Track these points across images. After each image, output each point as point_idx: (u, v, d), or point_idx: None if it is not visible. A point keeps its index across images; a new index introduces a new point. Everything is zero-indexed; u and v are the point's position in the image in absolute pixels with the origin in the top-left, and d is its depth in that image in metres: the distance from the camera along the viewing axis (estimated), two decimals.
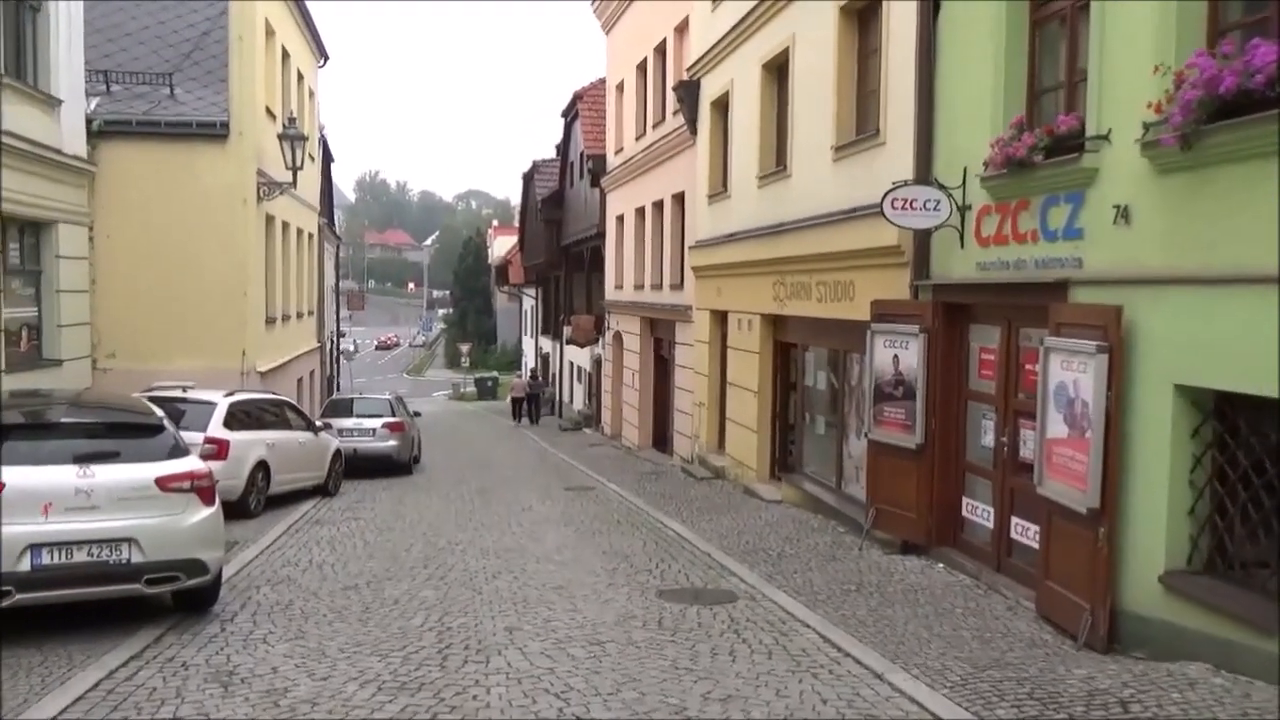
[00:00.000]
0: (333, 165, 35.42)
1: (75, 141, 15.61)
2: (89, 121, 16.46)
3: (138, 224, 16.94)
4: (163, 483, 7.22)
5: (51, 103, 14.59)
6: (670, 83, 21.01)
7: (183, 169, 17.26)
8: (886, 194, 9.31)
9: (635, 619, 7.73)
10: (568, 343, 32.56)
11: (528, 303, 49.91)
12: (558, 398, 38.75)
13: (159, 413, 7.98)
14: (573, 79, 77.12)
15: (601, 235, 28.29)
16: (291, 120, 18.58)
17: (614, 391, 27.15)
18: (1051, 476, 7.51)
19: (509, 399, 37.70)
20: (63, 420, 7.31)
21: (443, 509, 14.22)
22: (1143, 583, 6.79)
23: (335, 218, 41.74)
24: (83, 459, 7.01)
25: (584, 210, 31.28)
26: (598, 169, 28.12)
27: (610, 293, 27.34)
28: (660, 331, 22.93)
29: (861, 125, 11.90)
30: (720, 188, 17.30)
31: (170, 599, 7.71)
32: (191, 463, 7.55)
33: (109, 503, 6.98)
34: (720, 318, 17.60)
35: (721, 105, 17.36)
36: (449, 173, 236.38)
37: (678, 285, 20.62)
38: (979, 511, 9.24)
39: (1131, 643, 6.85)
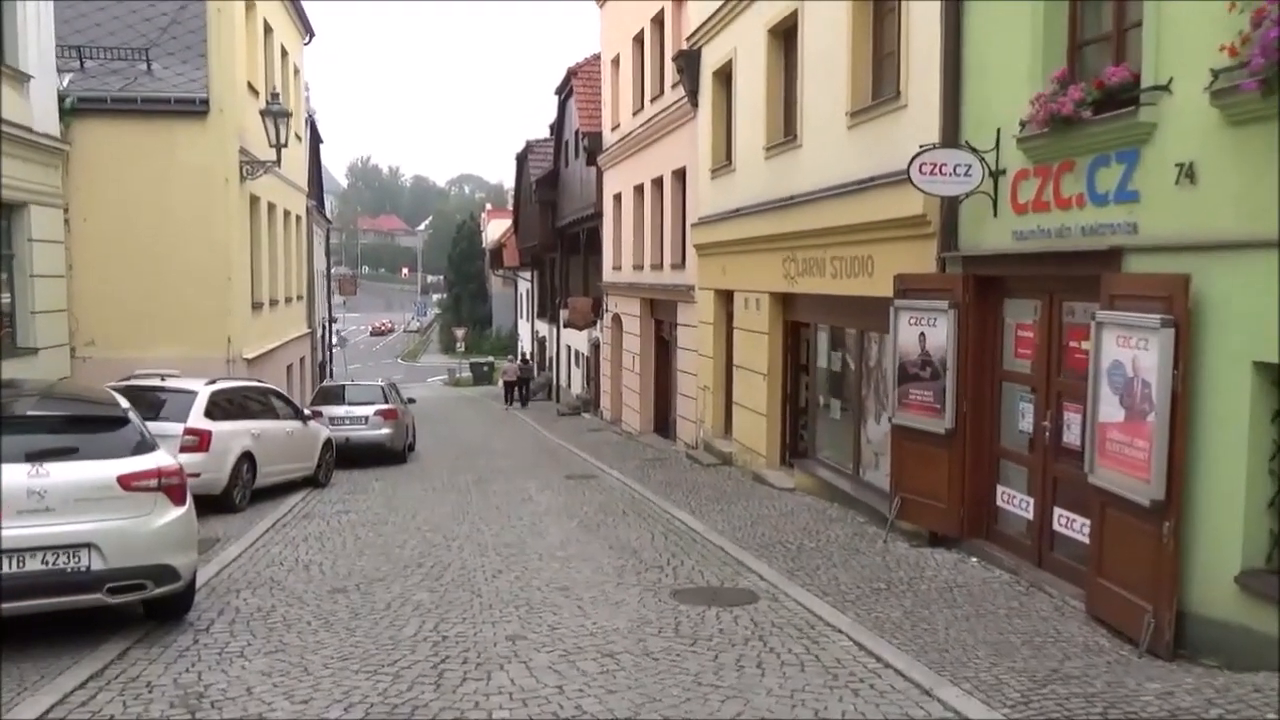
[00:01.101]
0: (322, 147, 34.57)
1: (47, 119, 14.81)
2: (61, 99, 15.64)
3: (115, 206, 16.15)
4: (126, 481, 6.52)
5: (20, 78, 13.78)
6: (669, 54, 20.23)
7: (161, 148, 16.44)
8: (913, 158, 8.61)
9: (650, 624, 7.06)
10: (565, 326, 31.86)
11: (523, 286, 49.15)
12: (554, 382, 38.08)
13: (123, 404, 7.26)
14: (566, 58, 75.58)
15: (599, 215, 27.53)
16: (275, 96, 17.77)
17: (613, 375, 26.46)
18: (1105, 464, 6.83)
19: (500, 383, 39.19)
20: (12, 414, 6.60)
21: (438, 500, 13.54)
22: (1214, 583, 6.12)
23: (326, 202, 40.88)
24: (35, 456, 6.29)
25: (580, 190, 30.50)
26: (594, 147, 27.34)
27: (608, 274, 26.61)
28: (661, 313, 22.23)
29: (878, 89, 11.17)
30: (724, 161, 16.56)
31: (141, 607, 7.02)
32: (159, 459, 6.84)
33: (65, 504, 6.27)
34: (725, 297, 16.89)
35: (724, 75, 16.60)
36: (442, 157, 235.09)
37: (679, 264, 19.91)
38: (1016, 501, 8.57)
39: (1201, 649, 6.19)
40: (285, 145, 17.77)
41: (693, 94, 18.00)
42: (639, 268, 23.32)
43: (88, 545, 6.29)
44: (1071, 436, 7.73)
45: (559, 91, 32.94)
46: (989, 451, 8.97)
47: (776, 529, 10.73)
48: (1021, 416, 8.48)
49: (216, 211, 16.56)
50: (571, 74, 30.48)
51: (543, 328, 41.36)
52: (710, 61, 17.02)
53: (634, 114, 23.35)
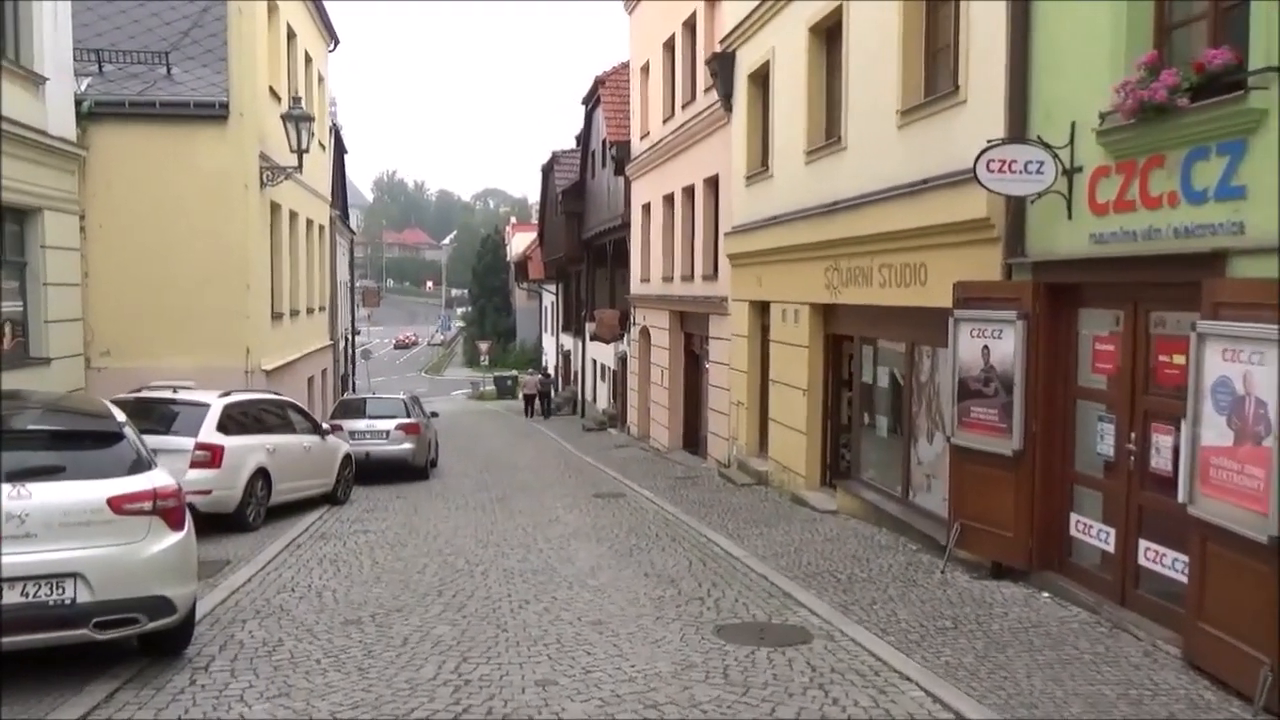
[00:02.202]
0: (346, 158, 34.19)
1: (62, 123, 14.37)
2: (78, 102, 15.21)
3: (132, 212, 15.68)
4: (117, 504, 5.89)
5: (34, 80, 13.33)
6: (701, 59, 19.61)
7: (180, 153, 15.97)
8: (980, 155, 7.88)
9: (695, 668, 6.34)
10: (591, 339, 31.20)
11: (547, 299, 48.62)
12: (580, 396, 37.45)
13: (119, 417, 6.65)
14: (591, 70, 75.18)
15: (626, 226, 26.91)
16: (296, 100, 17.29)
17: (641, 390, 25.76)
18: (1209, 494, 6.07)
19: (521, 395, 40.83)
20: None
21: (461, 520, 12.88)
22: None
23: (351, 215, 40.54)
24: (16, 476, 5.68)
25: (607, 201, 29.92)
26: (622, 156, 26.76)
27: (636, 286, 25.96)
28: (691, 326, 21.53)
29: (932, 85, 10.46)
30: (760, 167, 15.88)
31: (136, 641, 6.38)
32: (155, 478, 6.21)
33: (48, 529, 5.66)
34: (761, 309, 16.18)
35: (760, 77, 15.93)
36: (466, 172, 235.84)
37: (711, 276, 19.22)
38: (1093, 531, 7.80)
39: None
40: (307, 151, 17.26)
41: (726, 98, 17.36)
42: (669, 279, 22.66)
43: (73, 575, 5.67)
44: (1161, 461, 6.96)
45: (586, 101, 32.41)
46: (1061, 476, 8.20)
47: (823, 556, 9.98)
48: (1100, 438, 7.72)
49: (236, 218, 16.06)
50: (599, 83, 29.93)
51: (568, 341, 40.77)
52: (746, 64, 16.37)
53: (664, 121, 22.74)
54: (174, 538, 6.15)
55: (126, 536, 5.90)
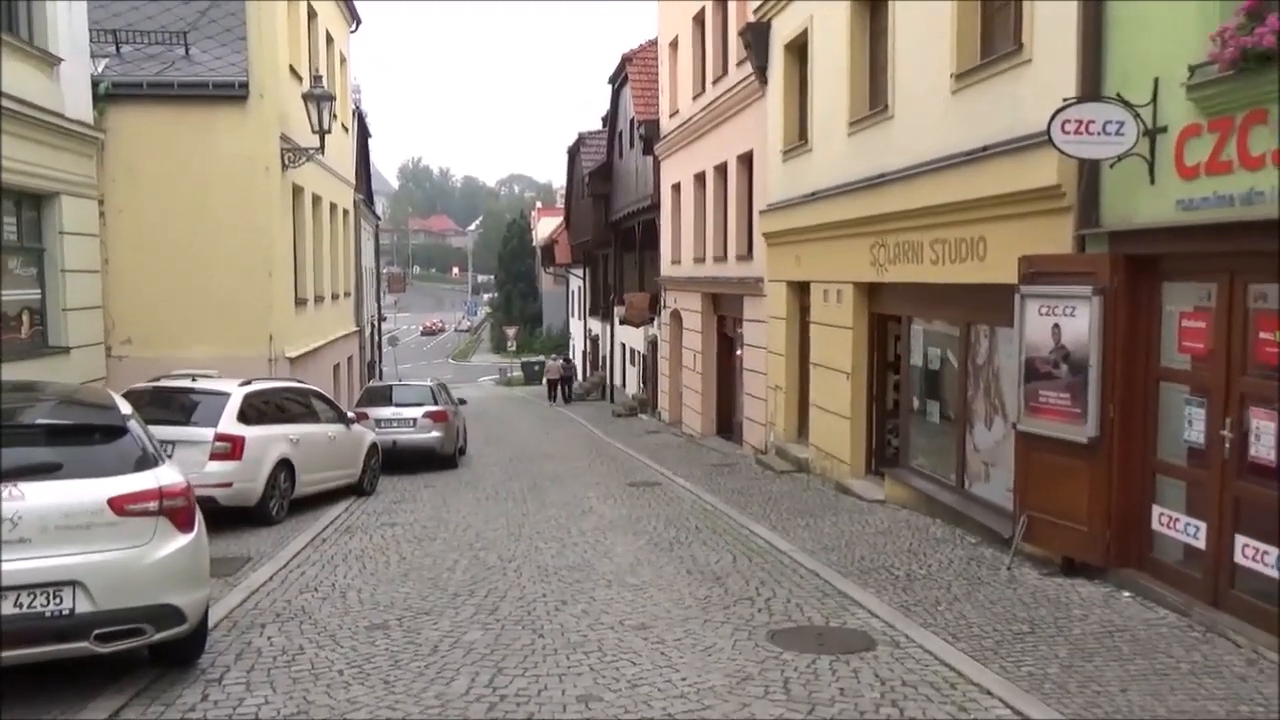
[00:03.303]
0: (370, 142, 33.77)
1: (79, 105, 13.91)
2: (95, 84, 14.78)
3: (152, 196, 15.27)
4: (119, 504, 5.39)
5: (49, 60, 12.88)
6: (733, 32, 18.92)
7: (199, 135, 15.53)
8: (1055, 115, 7.21)
9: (752, 680, 5.77)
10: (621, 323, 30.63)
11: (575, 283, 48.08)
12: (608, 381, 36.95)
13: (124, 409, 6.15)
14: (614, 52, 73.95)
15: (656, 207, 26.28)
16: (317, 78, 16.77)
17: (672, 375, 25.18)
18: None
19: (544, 381, 41.78)
20: None
21: (491, 512, 12.38)
22: None
23: (376, 201, 40.15)
24: (9, 475, 5.20)
25: (635, 182, 29.29)
26: (650, 135, 26.09)
27: (666, 268, 25.34)
28: (725, 308, 20.91)
29: (990, 44, 9.77)
30: (798, 141, 15.20)
31: (146, 651, 5.90)
32: (163, 475, 5.70)
33: (44, 533, 5.17)
34: (799, 289, 15.54)
35: (798, 47, 15.24)
36: (492, 158, 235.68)
37: (745, 256, 18.58)
38: (1179, 525, 7.14)
39: None
40: (329, 132, 16.76)
41: (761, 70, 16.66)
42: (700, 260, 22.03)
43: (71, 583, 5.18)
44: (1263, 449, 6.31)
45: (613, 80, 31.75)
46: (1142, 465, 7.54)
47: (876, 550, 9.38)
48: (1188, 423, 7.05)
49: (257, 201, 15.62)
50: (626, 60, 29.27)
51: (595, 326, 40.25)
52: (782, 34, 15.67)
53: (694, 98, 22.05)
54: (182, 540, 5.65)
55: (130, 540, 5.41)
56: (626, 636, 6.70)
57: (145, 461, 5.74)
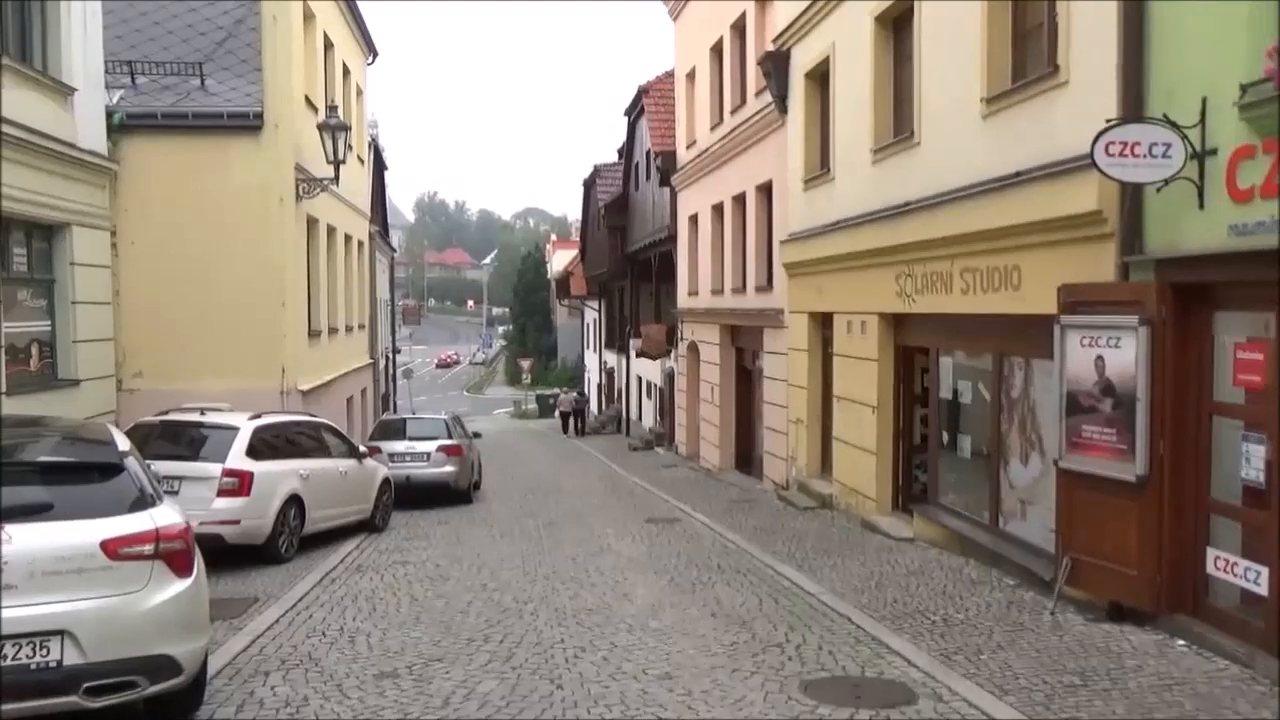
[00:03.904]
0: (386, 174, 33.75)
1: (92, 135, 13.78)
2: (109, 115, 14.67)
3: (165, 227, 15.11)
4: (112, 547, 5.07)
5: (63, 90, 12.75)
6: (751, 62, 18.74)
7: (214, 166, 15.40)
8: (1098, 137, 6.89)
9: None
10: (638, 355, 30.30)
11: (590, 316, 47.87)
12: (624, 414, 36.60)
13: (121, 445, 5.84)
14: (631, 85, 74.16)
15: (672, 238, 26.05)
16: (332, 109, 16.63)
17: (689, 408, 24.80)
18: None
19: (557, 414, 43.28)
20: None
21: (506, 550, 12.00)
22: None
23: (392, 235, 40.10)
24: None
25: (651, 213, 29.10)
26: (667, 166, 25.90)
27: (683, 300, 25.05)
28: (743, 340, 20.57)
29: (1022, 67, 9.47)
30: (819, 170, 14.93)
31: (141, 704, 5.54)
32: (160, 516, 5.38)
33: (31, 579, 4.85)
34: (821, 320, 15.20)
35: (819, 75, 15.02)
36: (507, 191, 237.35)
37: (765, 287, 18.27)
38: (1238, 569, 6.72)
39: None
40: (344, 162, 16.61)
41: (781, 99, 16.44)
42: (718, 292, 21.72)
43: (59, 633, 4.85)
44: None
45: (629, 112, 31.67)
46: (1195, 504, 7.13)
47: (908, 592, 8.96)
48: (1246, 460, 6.65)
49: (271, 232, 15.44)
50: (643, 92, 29.18)
51: (611, 358, 39.98)
52: (802, 62, 15.46)
53: (712, 128, 21.86)
54: (179, 586, 5.31)
55: (124, 586, 5.08)
56: (651, 688, 6.31)
57: (142, 501, 5.42)
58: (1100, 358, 7.55)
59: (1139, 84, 7.43)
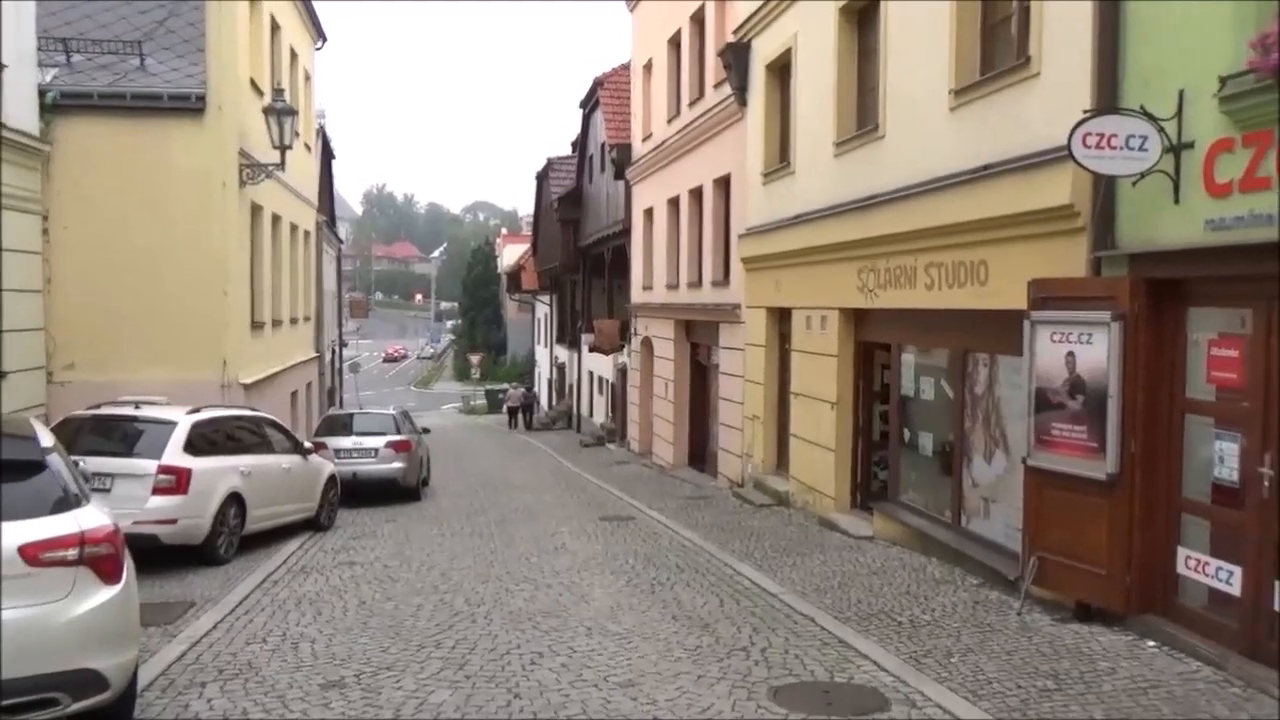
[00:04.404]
0: (334, 164, 32.94)
1: (23, 115, 13.12)
2: (42, 94, 13.99)
3: (101, 212, 14.46)
4: (31, 553, 4.66)
5: None
6: (710, 53, 18.52)
7: (153, 149, 14.76)
8: (1075, 128, 6.73)
9: None
10: (590, 351, 29.98)
11: (541, 310, 47.41)
12: (575, 410, 36.26)
13: (44, 441, 5.40)
14: (583, 79, 73.31)
15: (627, 232, 25.77)
16: (278, 92, 16.07)
17: (642, 404, 24.55)
18: None
19: (505, 408, 43.20)
20: None
21: (457, 548, 11.63)
22: None
23: (340, 227, 39.24)
24: None
25: (605, 207, 28.78)
26: (622, 159, 25.62)
27: (637, 294, 24.79)
28: (699, 335, 20.35)
29: (991, 59, 9.34)
30: (779, 163, 14.74)
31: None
32: (85, 518, 4.97)
33: None
34: (779, 316, 15.02)
35: (780, 67, 14.82)
36: (456, 185, 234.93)
37: (722, 282, 18.06)
38: (1209, 569, 6.61)
39: None
40: (290, 148, 16.04)
41: (740, 92, 16.23)
42: (673, 287, 21.48)
43: None
44: None
45: (584, 104, 31.29)
46: (1167, 504, 7.01)
47: (872, 592, 8.77)
48: (1219, 459, 6.54)
49: (213, 219, 14.86)
50: (598, 84, 28.82)
51: (562, 353, 39.59)
52: (763, 54, 15.25)
53: (669, 121, 21.61)
54: (107, 594, 4.91)
55: (44, 595, 4.67)
56: (613, 697, 6.01)
57: (66, 502, 5.01)
58: (1071, 354, 7.41)
59: (1114, 76, 7.29)
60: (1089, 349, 7.26)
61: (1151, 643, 6.84)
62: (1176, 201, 6.73)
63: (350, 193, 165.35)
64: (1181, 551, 6.87)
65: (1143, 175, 6.76)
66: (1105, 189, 7.32)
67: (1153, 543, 7.04)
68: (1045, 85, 8.11)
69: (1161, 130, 6.68)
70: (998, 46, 9.31)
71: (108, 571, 4.94)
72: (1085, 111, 6.89)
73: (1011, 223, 8.45)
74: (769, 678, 6.37)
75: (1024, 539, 7.99)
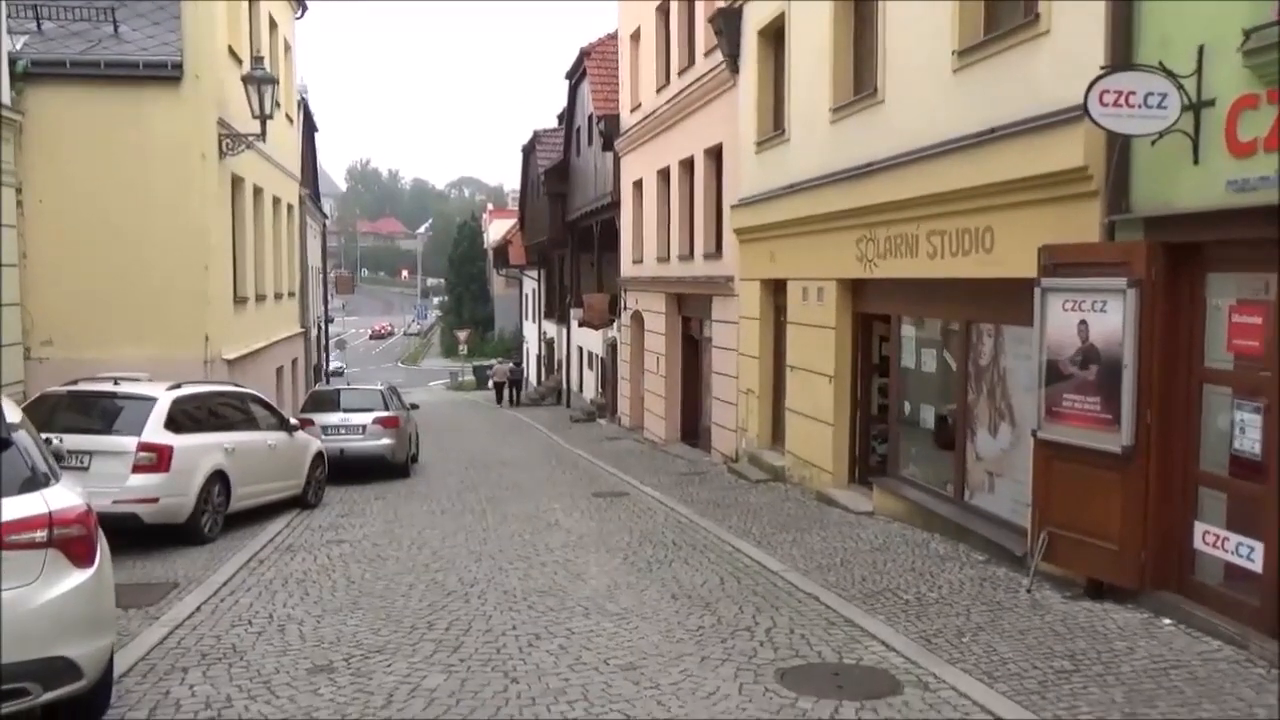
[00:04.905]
0: (317, 137, 32.35)
1: None
2: (12, 62, 13.54)
3: (76, 184, 14.04)
4: None
5: None
6: (700, 20, 18.12)
7: (129, 119, 14.32)
8: (1092, 85, 6.45)
9: None
10: (580, 325, 29.65)
11: (529, 285, 47.00)
12: (565, 385, 35.98)
13: (11, 417, 5.05)
14: (566, 52, 72.08)
15: (616, 205, 25.39)
16: (258, 59, 15.61)
17: (633, 378, 24.28)
18: None
19: (491, 384, 43.09)
20: None
21: (448, 526, 11.38)
22: None
23: (324, 203, 38.64)
24: None
25: (593, 179, 28.37)
26: (610, 131, 25.19)
27: (627, 268, 24.46)
28: (691, 309, 20.06)
29: (996, 19, 9.03)
30: (774, 131, 14.42)
31: (39, 711, 4.84)
32: (55, 498, 4.68)
33: None
34: (774, 287, 14.76)
35: (773, 33, 14.47)
36: (441, 160, 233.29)
37: (714, 254, 17.76)
38: (1229, 545, 6.39)
39: None
40: (271, 117, 15.60)
41: (732, 59, 15.86)
42: (664, 260, 21.17)
43: None
44: None
45: (570, 75, 30.79)
46: (1183, 476, 6.80)
47: (876, 569, 8.56)
48: (1240, 430, 6.31)
49: (193, 190, 14.46)
50: (584, 55, 28.32)
51: (550, 328, 39.26)
52: (756, 19, 14.88)
53: (658, 90, 21.20)
54: (79, 577, 4.62)
55: (12, 579, 4.38)
56: (615, 680, 5.77)
57: (34, 481, 4.70)
58: (1084, 322, 7.16)
59: (1129, 31, 7.01)
60: (1103, 317, 7.01)
61: (1168, 621, 6.64)
62: (1196, 162, 6.47)
63: (334, 169, 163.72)
64: (1199, 526, 6.66)
65: (1161, 135, 6.49)
66: (1120, 151, 7.05)
67: (1169, 517, 6.83)
68: (1055, 43, 7.81)
69: (1181, 88, 6.41)
70: (1002, 5, 9.00)
71: (79, 554, 4.66)
72: (1102, 68, 6.61)
73: (1019, 187, 8.18)
74: (775, 659, 6.14)
75: (1033, 514, 7.77)
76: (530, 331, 47.02)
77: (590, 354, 31.50)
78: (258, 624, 7.11)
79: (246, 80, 15.16)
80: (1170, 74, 6.43)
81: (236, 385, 12.96)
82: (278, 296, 20.47)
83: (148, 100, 14.38)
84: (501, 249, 52.27)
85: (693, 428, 20.46)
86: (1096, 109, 6.42)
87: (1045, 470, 7.59)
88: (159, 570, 8.90)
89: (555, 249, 35.82)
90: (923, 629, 6.72)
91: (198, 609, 7.45)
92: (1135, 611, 6.87)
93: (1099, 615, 6.86)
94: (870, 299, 11.83)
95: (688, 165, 19.38)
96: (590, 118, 27.94)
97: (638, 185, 23.25)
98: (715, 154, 17.76)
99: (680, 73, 19.60)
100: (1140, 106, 6.39)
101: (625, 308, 24.71)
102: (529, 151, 38.97)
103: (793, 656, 6.20)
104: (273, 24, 20.43)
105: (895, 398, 11.39)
